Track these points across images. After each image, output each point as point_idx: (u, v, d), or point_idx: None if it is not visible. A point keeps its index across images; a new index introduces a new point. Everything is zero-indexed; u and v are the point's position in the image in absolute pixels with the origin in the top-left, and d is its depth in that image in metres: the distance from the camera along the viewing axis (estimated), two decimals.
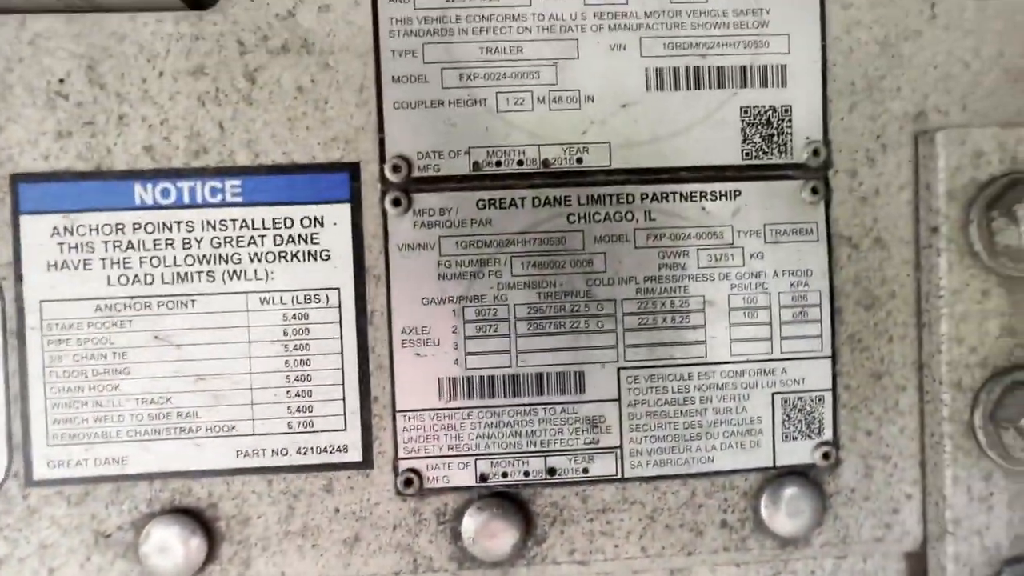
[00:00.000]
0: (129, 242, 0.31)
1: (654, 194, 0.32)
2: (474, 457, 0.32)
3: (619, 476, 0.32)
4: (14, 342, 0.31)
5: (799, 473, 0.33)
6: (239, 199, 0.31)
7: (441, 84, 0.32)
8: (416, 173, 0.32)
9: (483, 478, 0.32)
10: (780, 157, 0.33)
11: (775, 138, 0.33)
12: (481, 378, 0.32)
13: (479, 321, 0.32)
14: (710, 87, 0.32)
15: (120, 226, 0.31)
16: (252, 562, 0.31)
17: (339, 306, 0.32)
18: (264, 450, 0.31)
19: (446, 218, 0.32)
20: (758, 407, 0.33)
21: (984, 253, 0.31)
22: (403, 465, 0.32)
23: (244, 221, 0.31)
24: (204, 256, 0.31)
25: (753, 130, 0.33)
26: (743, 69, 0.32)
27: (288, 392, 0.31)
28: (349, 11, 0.31)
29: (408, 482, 0.32)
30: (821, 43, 0.33)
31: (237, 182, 0.31)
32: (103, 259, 0.31)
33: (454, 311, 0.32)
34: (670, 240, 0.32)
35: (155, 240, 0.31)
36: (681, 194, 0.32)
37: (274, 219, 0.31)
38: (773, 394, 0.33)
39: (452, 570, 0.32)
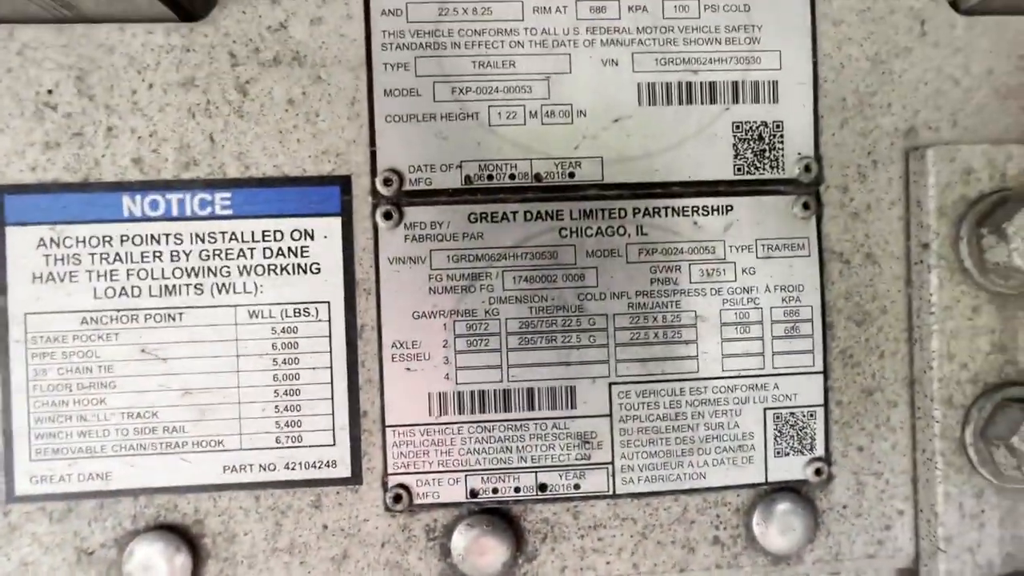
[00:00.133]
0: (116, 254, 0.31)
1: (646, 209, 0.32)
2: (464, 473, 0.32)
3: (611, 492, 0.32)
4: None
5: (791, 489, 0.33)
6: (229, 211, 0.31)
7: (433, 97, 0.32)
8: (407, 186, 0.32)
9: (473, 494, 0.32)
10: (772, 172, 0.33)
11: (767, 153, 0.33)
12: (472, 393, 0.32)
13: (470, 336, 0.32)
14: (702, 102, 0.32)
15: (107, 238, 0.31)
16: None
17: (329, 320, 0.31)
18: (251, 465, 0.31)
19: (437, 232, 0.32)
20: (750, 423, 0.33)
21: (974, 270, 0.31)
22: (392, 481, 0.31)
23: (233, 234, 0.31)
24: (192, 269, 0.31)
25: (745, 145, 0.33)
26: (735, 85, 0.33)
27: (276, 407, 0.31)
28: (341, 24, 0.31)
29: (397, 498, 0.31)
30: (812, 59, 0.33)
31: (227, 194, 0.31)
32: (89, 271, 0.31)
33: (445, 325, 0.32)
34: (662, 255, 0.32)
35: (143, 252, 0.31)
36: (673, 209, 0.32)
37: (264, 232, 0.31)
38: (765, 409, 0.33)
39: None
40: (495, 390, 0.32)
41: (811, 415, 0.33)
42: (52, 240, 0.30)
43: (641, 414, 0.32)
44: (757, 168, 0.33)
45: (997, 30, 0.34)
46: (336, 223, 0.31)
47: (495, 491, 0.32)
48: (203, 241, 0.31)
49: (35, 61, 0.30)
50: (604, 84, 0.32)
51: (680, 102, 0.32)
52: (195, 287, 0.31)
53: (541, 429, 0.32)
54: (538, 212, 0.32)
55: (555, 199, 0.32)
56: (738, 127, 0.33)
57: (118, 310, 0.31)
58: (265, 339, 0.31)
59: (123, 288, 0.31)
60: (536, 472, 0.32)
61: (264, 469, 0.31)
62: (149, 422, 0.31)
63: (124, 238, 0.31)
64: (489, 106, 0.32)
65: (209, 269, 0.31)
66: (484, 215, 0.32)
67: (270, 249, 0.31)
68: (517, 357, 0.32)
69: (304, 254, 0.31)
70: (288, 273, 0.31)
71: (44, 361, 0.30)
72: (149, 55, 0.31)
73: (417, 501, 0.31)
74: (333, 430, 0.31)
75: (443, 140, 0.32)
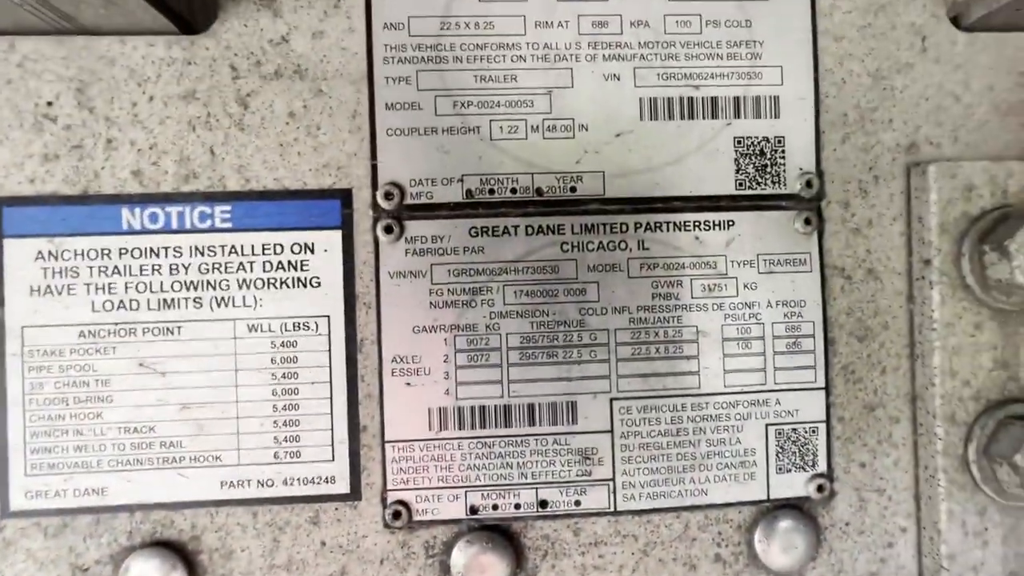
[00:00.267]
0: (115, 267, 0.30)
1: (648, 224, 0.32)
2: (464, 489, 0.31)
3: (612, 509, 0.32)
4: None
5: (793, 506, 0.32)
6: (228, 224, 0.31)
7: (435, 111, 0.31)
8: (408, 200, 0.31)
9: (473, 510, 0.31)
10: (773, 188, 0.33)
11: (768, 168, 0.33)
12: (472, 408, 0.31)
13: (471, 350, 0.31)
14: (704, 117, 0.32)
15: (106, 251, 0.30)
16: None
17: (328, 334, 0.31)
18: (249, 481, 0.31)
19: (438, 246, 0.32)
20: (752, 439, 0.32)
21: (976, 286, 0.31)
22: (391, 497, 0.31)
23: (233, 247, 0.31)
24: (191, 282, 0.31)
25: (746, 160, 0.33)
26: (736, 100, 0.33)
27: (275, 421, 0.31)
28: (343, 37, 0.31)
29: (396, 514, 0.31)
30: (814, 75, 0.33)
31: (227, 207, 0.31)
32: (88, 284, 0.30)
33: (445, 340, 0.31)
34: (663, 270, 0.32)
35: (141, 265, 0.31)
36: (674, 224, 0.32)
37: (264, 245, 0.31)
38: (767, 425, 0.32)
39: None
40: (495, 405, 0.31)
41: (813, 431, 0.33)
42: (50, 253, 0.30)
43: (642, 430, 0.32)
44: (759, 183, 0.33)
45: (997, 47, 0.34)
46: (336, 236, 0.31)
47: (495, 507, 0.31)
48: (203, 254, 0.31)
49: (35, 73, 0.30)
50: (606, 99, 0.32)
51: (682, 117, 0.32)
52: (194, 300, 0.31)
53: (542, 445, 0.32)
54: (539, 226, 0.32)
55: (556, 213, 0.32)
56: (739, 142, 0.33)
57: (116, 324, 0.30)
58: (264, 353, 0.31)
59: (121, 301, 0.30)
60: (536, 488, 0.32)
61: (262, 485, 0.31)
62: (146, 437, 0.30)
63: (123, 251, 0.30)
64: (491, 120, 0.32)
65: (208, 283, 0.31)
66: (485, 229, 0.32)
67: (270, 262, 0.31)
68: (518, 372, 0.31)
69: (304, 268, 0.31)
70: (288, 287, 0.31)
71: (41, 375, 0.30)
72: (150, 67, 0.30)
73: (416, 517, 0.31)
74: (332, 445, 0.31)
75: (444, 154, 0.31)
